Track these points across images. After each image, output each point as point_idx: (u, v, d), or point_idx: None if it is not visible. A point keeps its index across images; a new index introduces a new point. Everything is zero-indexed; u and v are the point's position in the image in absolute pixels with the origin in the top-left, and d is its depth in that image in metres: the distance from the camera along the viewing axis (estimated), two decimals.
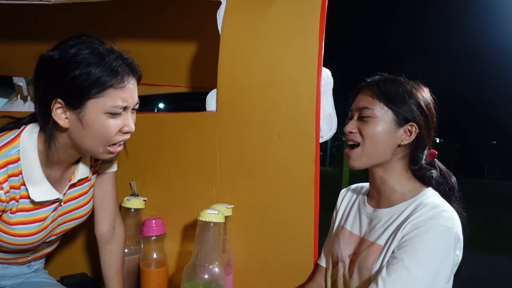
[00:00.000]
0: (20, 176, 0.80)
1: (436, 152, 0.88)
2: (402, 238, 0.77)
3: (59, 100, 0.76)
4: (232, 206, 1.07)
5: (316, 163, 1.02)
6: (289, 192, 1.05)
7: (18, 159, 0.79)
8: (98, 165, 0.97)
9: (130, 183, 1.20)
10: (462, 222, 0.81)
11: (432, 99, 0.88)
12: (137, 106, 0.84)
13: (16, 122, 0.85)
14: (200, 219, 0.93)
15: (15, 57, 1.74)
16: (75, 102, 0.75)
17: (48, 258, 1.10)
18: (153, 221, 1.13)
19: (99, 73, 0.74)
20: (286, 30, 1.04)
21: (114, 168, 1.01)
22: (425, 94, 0.88)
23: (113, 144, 0.82)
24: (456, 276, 0.84)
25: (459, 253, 0.79)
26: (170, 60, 1.53)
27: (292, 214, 1.06)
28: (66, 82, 0.74)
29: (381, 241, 0.82)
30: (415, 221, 0.77)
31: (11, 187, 0.79)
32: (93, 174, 0.96)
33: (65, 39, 0.78)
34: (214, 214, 0.93)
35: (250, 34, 1.07)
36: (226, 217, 1.03)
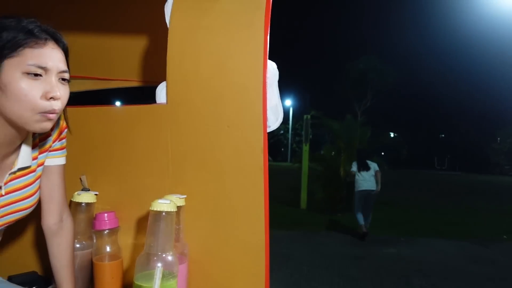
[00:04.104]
0: None
1: None
2: None
3: None
4: (185, 196, 1.09)
5: (265, 152, 1.07)
6: (240, 181, 1.09)
7: None
8: (44, 157, 0.95)
9: (80, 178, 1.19)
10: None
11: None
12: (65, 76, 0.81)
13: None
14: (152, 209, 0.95)
15: None
16: None
17: None
18: (106, 214, 1.12)
19: (13, 34, 0.74)
20: (233, 23, 1.08)
21: (61, 161, 1.00)
22: None
23: (42, 113, 0.77)
24: None
25: None
26: (121, 54, 1.52)
27: (243, 202, 1.10)
28: None
29: None
30: None
31: None
32: (38, 166, 0.94)
33: None
34: (166, 204, 0.95)
35: (197, 28, 1.09)
36: (179, 207, 1.06)
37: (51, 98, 0.77)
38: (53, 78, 0.78)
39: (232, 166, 1.09)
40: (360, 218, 5.92)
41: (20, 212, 0.93)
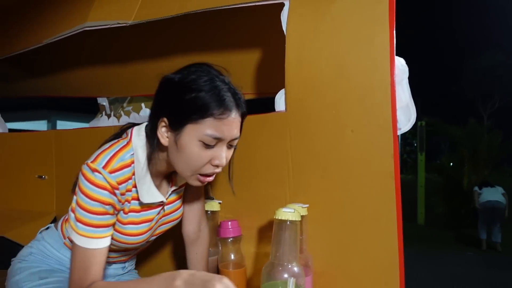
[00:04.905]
0: (133, 177, 0.85)
1: None
2: None
3: (164, 119, 0.79)
4: (307, 205, 1.05)
5: (395, 157, 0.96)
6: (367, 190, 1.00)
7: (132, 162, 0.84)
8: None
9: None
10: None
11: None
12: (235, 143, 0.84)
13: (119, 133, 0.92)
14: (276, 217, 0.92)
15: (98, 79, 1.93)
16: (177, 124, 0.78)
17: (138, 260, 1.17)
18: (229, 223, 1.15)
19: (205, 100, 0.75)
20: (353, 22, 1.01)
21: None
22: None
23: (202, 174, 0.81)
24: None
25: None
26: (236, 68, 1.57)
27: (372, 213, 1.00)
28: (175, 103, 0.78)
29: None
30: None
31: (127, 190, 0.84)
32: None
33: (188, 65, 0.82)
34: (290, 213, 0.92)
35: (316, 31, 1.06)
36: (302, 217, 1.02)
37: (215, 165, 0.80)
38: (224, 147, 0.81)
39: (358, 174, 1.01)
40: (483, 232, 5.61)
41: (171, 223, 1.01)
